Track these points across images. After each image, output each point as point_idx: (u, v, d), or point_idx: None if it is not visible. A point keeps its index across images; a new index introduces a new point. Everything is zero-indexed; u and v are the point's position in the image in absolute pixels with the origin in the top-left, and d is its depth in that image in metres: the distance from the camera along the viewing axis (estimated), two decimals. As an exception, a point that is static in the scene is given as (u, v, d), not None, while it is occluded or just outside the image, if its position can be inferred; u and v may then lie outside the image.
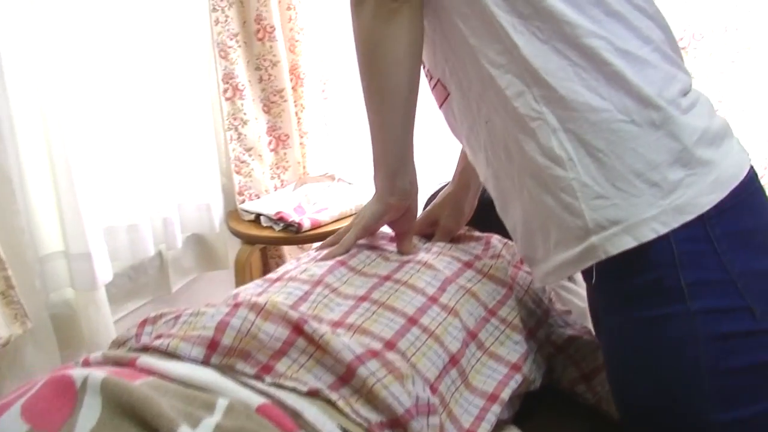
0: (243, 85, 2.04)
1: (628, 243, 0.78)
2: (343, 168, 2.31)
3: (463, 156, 1.20)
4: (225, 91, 2.02)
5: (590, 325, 1.09)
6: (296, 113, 2.21)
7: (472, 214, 1.21)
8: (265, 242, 2.07)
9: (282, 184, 2.22)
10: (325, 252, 1.06)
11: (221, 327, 0.79)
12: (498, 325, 0.96)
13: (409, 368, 0.79)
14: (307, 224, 1.93)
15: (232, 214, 2.13)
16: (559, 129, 0.81)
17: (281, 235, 1.95)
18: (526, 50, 0.81)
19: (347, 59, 2.20)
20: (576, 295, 1.27)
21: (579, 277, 1.37)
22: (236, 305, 0.82)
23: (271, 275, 1.03)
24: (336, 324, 0.86)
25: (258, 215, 2.03)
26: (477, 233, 1.21)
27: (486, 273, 1.02)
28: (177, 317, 0.88)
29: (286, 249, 2.30)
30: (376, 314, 0.88)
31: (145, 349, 0.80)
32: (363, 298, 0.91)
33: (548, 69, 0.81)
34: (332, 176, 2.24)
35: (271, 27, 2.04)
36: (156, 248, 1.90)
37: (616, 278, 0.82)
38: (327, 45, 2.24)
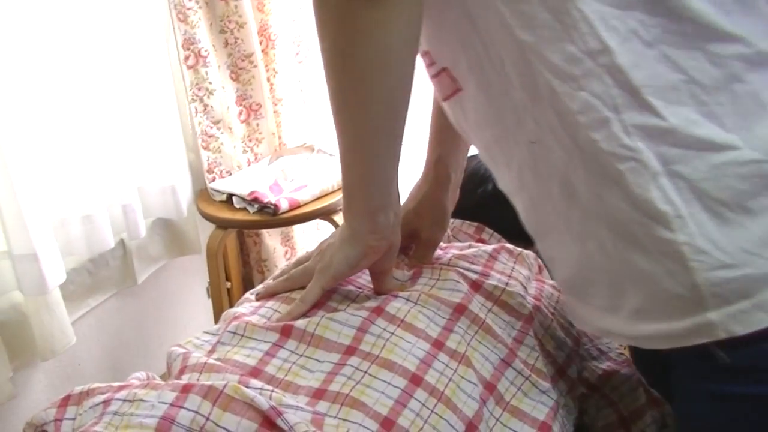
0: (206, 51, 1.83)
1: (763, 321, 0.58)
2: (322, 138, 2.11)
3: (437, 139, 0.95)
4: (186, 58, 1.81)
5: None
6: (268, 79, 2.01)
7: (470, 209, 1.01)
8: (238, 226, 1.89)
9: (256, 159, 2.03)
10: (280, 312, 0.81)
11: (164, 426, 0.61)
12: (521, 369, 0.76)
13: None
14: (284, 205, 1.74)
15: (202, 194, 1.93)
16: (662, 174, 0.59)
17: (256, 218, 1.77)
18: (622, 57, 0.58)
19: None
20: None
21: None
22: (185, 389, 0.64)
23: (237, 310, 0.83)
24: (316, 395, 0.67)
25: (230, 195, 1.84)
26: (473, 229, 1.02)
27: (497, 299, 0.81)
28: (107, 402, 0.68)
29: (265, 229, 2.11)
30: (368, 375, 0.68)
31: None
32: (349, 351, 0.72)
33: (654, 87, 0.58)
34: (311, 147, 2.05)
35: (235, -17, 1.83)
36: (117, 238, 1.71)
37: (735, 348, 0.61)
38: (300, 1, 2.02)
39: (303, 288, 0.81)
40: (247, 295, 0.87)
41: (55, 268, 1.48)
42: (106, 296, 1.76)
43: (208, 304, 2.04)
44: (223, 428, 0.61)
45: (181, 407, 0.62)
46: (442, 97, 0.77)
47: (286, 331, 0.75)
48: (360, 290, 0.83)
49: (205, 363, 0.71)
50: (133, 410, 0.64)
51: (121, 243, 1.77)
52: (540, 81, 0.62)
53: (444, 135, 0.93)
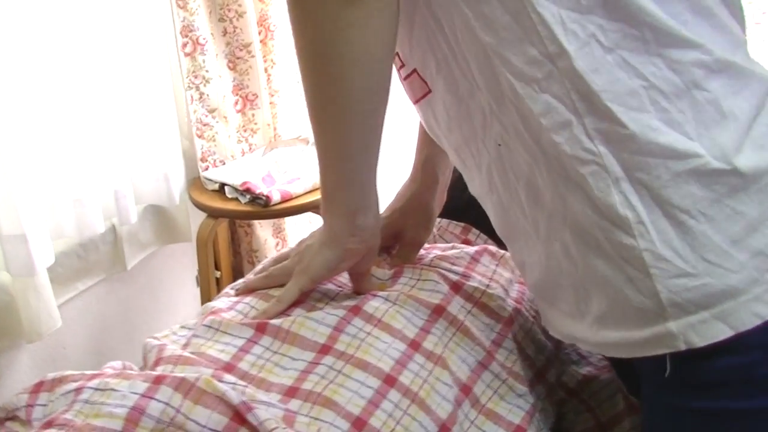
0: (205, 39, 1.82)
1: (722, 332, 0.58)
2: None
3: (425, 140, 0.94)
4: (184, 45, 1.80)
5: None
6: (265, 70, 2.00)
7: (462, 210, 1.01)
8: (230, 216, 1.88)
9: (250, 149, 2.02)
10: (257, 309, 0.81)
11: (134, 416, 0.61)
12: (499, 372, 0.76)
13: None
14: (276, 197, 1.74)
15: (195, 182, 1.93)
16: (623, 179, 0.59)
17: (248, 208, 1.76)
18: (580, 61, 0.57)
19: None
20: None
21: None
22: (158, 380, 0.63)
23: (215, 304, 0.83)
24: (289, 392, 0.67)
25: (222, 185, 1.83)
26: (459, 230, 1.01)
27: (477, 300, 0.81)
28: (78, 390, 0.68)
29: (258, 221, 2.11)
30: (341, 375, 0.68)
31: None
32: (324, 350, 0.72)
33: (613, 92, 0.57)
34: (306, 139, 2.04)
35: (236, -28, 1.82)
36: (107, 223, 1.71)
37: (689, 361, 0.61)
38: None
39: (282, 286, 0.81)
40: (227, 289, 0.87)
41: (44, 251, 1.47)
42: (95, 281, 1.76)
43: (197, 292, 2.04)
44: (194, 421, 0.61)
45: (152, 398, 0.62)
46: (413, 100, 0.77)
47: (261, 328, 0.75)
48: (340, 289, 0.83)
49: (180, 355, 0.71)
50: (104, 399, 0.64)
51: (112, 228, 1.76)
52: (503, 82, 0.61)
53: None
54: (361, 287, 0.82)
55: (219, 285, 2.01)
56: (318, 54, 0.65)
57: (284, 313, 0.78)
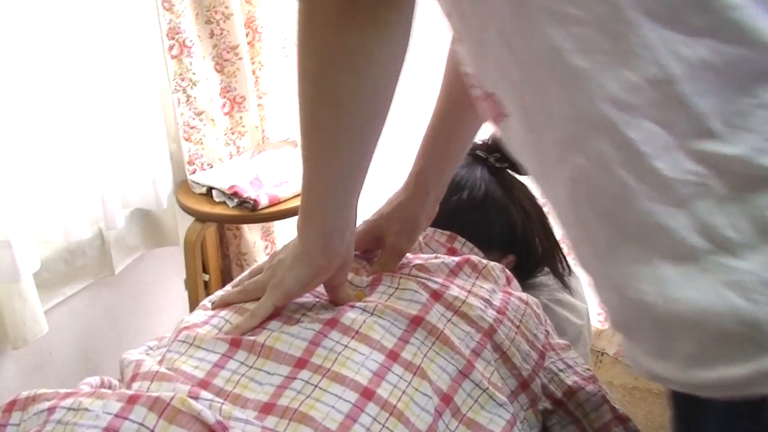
0: (191, 41, 1.81)
1: None
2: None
3: (424, 152, 0.92)
4: (170, 48, 1.79)
5: (587, 350, 0.92)
6: (253, 72, 1.99)
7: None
8: (217, 220, 1.87)
9: (238, 152, 2.01)
10: (232, 323, 0.78)
11: None
12: (479, 381, 0.75)
13: None
14: (264, 201, 1.73)
15: (182, 185, 1.92)
16: (729, 199, 0.54)
17: (235, 212, 1.75)
18: (687, 86, 0.53)
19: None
20: (572, 311, 1.08)
21: (577, 286, 1.19)
22: (132, 399, 0.62)
23: (189, 319, 0.82)
24: (265, 409, 0.66)
25: (210, 188, 1.82)
26: (445, 238, 1.01)
27: (457, 309, 0.80)
28: (51, 410, 0.66)
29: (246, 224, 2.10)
30: (318, 389, 0.67)
31: None
32: (300, 363, 0.70)
33: (721, 113, 0.53)
34: (294, 142, 2.04)
35: (222, -26, 1.81)
36: (94, 227, 1.70)
37: None
38: (288, -6, 2.00)
39: (257, 300, 0.80)
40: (204, 301, 0.86)
41: (29, 256, 1.46)
42: (82, 286, 1.74)
43: (185, 296, 2.03)
44: None
45: (125, 418, 0.61)
46: (488, 120, 0.72)
47: (235, 343, 0.74)
48: (317, 299, 0.82)
49: (157, 372, 0.70)
50: (77, 419, 0.63)
51: (99, 232, 1.75)
52: (594, 111, 0.56)
53: (432, 151, 0.92)
54: (337, 298, 0.81)
55: (207, 289, 2.00)
56: (321, 79, 0.63)
57: (259, 326, 0.77)
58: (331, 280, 0.80)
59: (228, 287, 0.89)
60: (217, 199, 1.79)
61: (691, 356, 0.58)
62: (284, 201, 1.77)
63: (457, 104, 0.90)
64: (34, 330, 1.53)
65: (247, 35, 1.94)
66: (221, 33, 1.87)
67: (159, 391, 0.64)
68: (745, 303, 0.54)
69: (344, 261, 0.78)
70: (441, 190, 0.94)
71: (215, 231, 2.08)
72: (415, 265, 0.87)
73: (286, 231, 2.20)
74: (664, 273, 0.58)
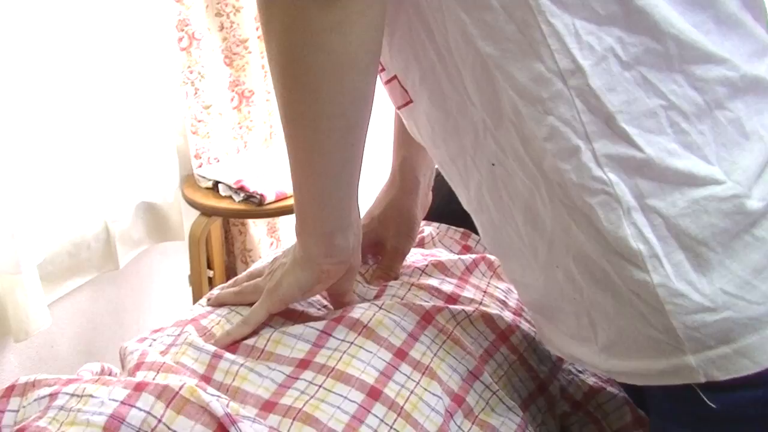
0: (201, 34, 1.79)
1: (746, 368, 0.54)
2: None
3: (402, 140, 0.85)
4: (180, 40, 1.77)
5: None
6: (262, 66, 1.96)
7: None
8: (223, 214, 1.85)
9: (245, 147, 1.99)
10: (222, 333, 0.73)
11: (112, 425, 0.57)
12: (490, 383, 0.73)
13: None
14: (270, 196, 1.71)
15: (188, 179, 1.90)
16: (636, 209, 0.54)
17: (241, 207, 1.73)
18: (596, 79, 0.52)
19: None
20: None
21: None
22: (139, 387, 0.60)
23: (189, 314, 0.79)
24: (266, 407, 0.63)
25: (216, 182, 1.80)
26: (459, 235, 0.98)
27: (469, 314, 0.77)
28: (53, 396, 0.64)
29: (252, 220, 2.08)
30: (322, 390, 0.64)
31: None
32: (303, 364, 0.67)
33: (630, 113, 0.52)
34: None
35: (233, -34, 1.79)
36: (99, 220, 1.68)
37: (705, 392, 0.57)
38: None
39: (252, 304, 0.75)
40: (202, 300, 0.83)
41: (32, 248, 1.44)
42: (87, 278, 1.72)
43: (189, 292, 2.01)
44: None
45: (132, 406, 0.58)
46: (395, 106, 0.71)
47: (231, 350, 0.71)
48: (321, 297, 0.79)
49: (164, 363, 0.67)
50: (81, 406, 0.60)
51: (104, 226, 1.73)
52: (503, 99, 0.55)
53: (409, 136, 0.86)
54: (341, 304, 0.77)
55: (212, 285, 1.98)
56: (291, 62, 0.57)
57: (256, 330, 0.73)
58: (336, 287, 0.75)
59: (227, 284, 0.85)
60: (223, 194, 1.77)
61: (608, 345, 0.60)
62: (291, 196, 1.74)
63: None
64: (37, 323, 1.50)
65: (257, 29, 1.92)
66: (231, 26, 1.85)
67: (166, 382, 0.62)
68: (658, 314, 0.55)
69: (350, 267, 0.72)
70: (430, 176, 0.90)
71: (220, 227, 2.06)
72: (431, 262, 0.85)
73: (291, 227, 2.17)
74: (576, 271, 0.58)
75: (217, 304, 0.79)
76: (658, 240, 0.54)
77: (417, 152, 0.85)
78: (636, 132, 0.53)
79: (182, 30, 1.76)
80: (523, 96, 0.54)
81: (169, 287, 2.01)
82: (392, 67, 0.66)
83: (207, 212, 1.80)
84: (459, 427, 0.69)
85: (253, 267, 0.85)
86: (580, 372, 0.84)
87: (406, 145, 0.86)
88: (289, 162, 0.65)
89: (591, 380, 0.83)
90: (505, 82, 0.55)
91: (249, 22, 1.86)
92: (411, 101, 0.66)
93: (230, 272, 2.13)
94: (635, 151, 0.53)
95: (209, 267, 1.99)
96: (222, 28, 1.85)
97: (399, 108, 0.70)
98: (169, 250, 1.96)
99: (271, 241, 2.13)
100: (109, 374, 0.77)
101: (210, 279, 1.98)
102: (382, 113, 0.72)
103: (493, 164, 0.60)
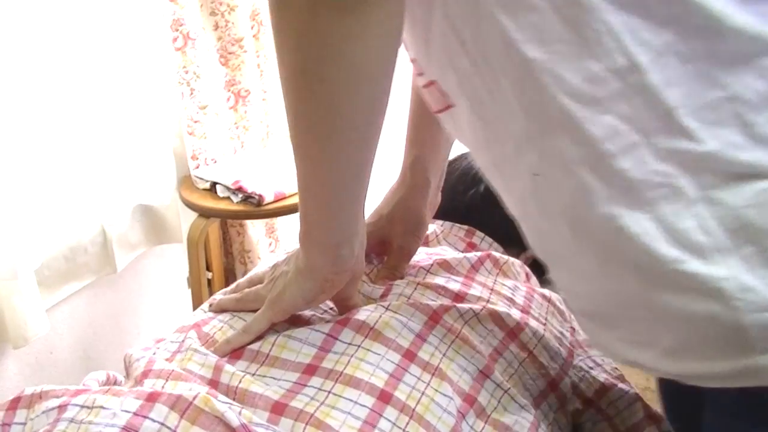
0: (195, 34, 1.77)
1: None
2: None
3: (414, 139, 0.84)
4: (174, 39, 1.75)
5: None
6: (258, 65, 1.95)
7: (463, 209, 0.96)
8: (221, 216, 1.83)
9: (242, 147, 1.97)
10: (222, 341, 0.72)
11: None
12: (501, 382, 0.71)
13: None
14: (269, 196, 1.69)
15: (185, 181, 1.88)
16: (700, 201, 0.51)
17: (240, 208, 1.71)
18: (654, 75, 0.50)
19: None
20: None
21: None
22: (151, 397, 0.58)
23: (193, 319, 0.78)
24: (276, 409, 0.62)
25: (214, 183, 1.79)
26: (463, 233, 0.97)
27: (477, 313, 0.75)
28: (62, 408, 0.62)
29: (250, 221, 2.06)
30: (332, 395, 0.63)
31: None
32: (310, 370, 0.66)
33: (691, 107, 0.49)
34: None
35: (227, -35, 1.77)
36: (96, 223, 1.66)
37: None
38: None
39: (253, 311, 0.74)
40: (204, 305, 0.81)
41: (29, 254, 1.43)
42: (85, 283, 1.71)
43: (188, 294, 1.99)
44: None
45: (146, 417, 0.57)
46: (433, 110, 0.68)
47: (236, 356, 0.69)
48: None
49: (172, 371, 0.66)
50: (92, 418, 0.59)
51: (101, 229, 1.71)
52: (552, 105, 0.53)
53: (422, 134, 0.86)
54: (346, 311, 0.75)
55: (211, 287, 1.96)
56: (304, 71, 0.54)
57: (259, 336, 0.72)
58: (340, 293, 0.73)
59: (228, 290, 0.83)
60: (221, 195, 1.75)
61: (671, 349, 0.56)
62: (290, 196, 1.73)
63: None
64: (36, 329, 1.49)
65: (252, 28, 1.90)
66: (226, 25, 1.83)
67: (176, 390, 0.60)
68: (725, 310, 0.51)
69: (354, 274, 0.71)
70: (440, 176, 0.89)
71: (218, 228, 2.05)
72: (437, 261, 0.83)
73: (290, 229, 2.16)
74: (632, 275, 0.55)
75: (219, 310, 0.78)
76: (724, 232, 0.51)
77: (429, 152, 0.84)
78: (697, 125, 0.50)
79: (177, 30, 1.74)
80: (576, 98, 0.52)
81: (167, 290, 1.99)
82: (430, 73, 0.64)
83: (205, 213, 1.78)
84: (471, 427, 0.67)
85: (254, 272, 0.84)
86: (591, 368, 0.83)
87: (418, 144, 0.84)
88: (296, 173, 0.62)
89: (602, 377, 0.82)
90: (555, 86, 0.52)
91: (244, 21, 1.84)
92: (451, 105, 0.63)
93: (229, 274, 2.11)
94: (696, 144, 0.51)
95: (207, 269, 1.97)
96: (217, 27, 1.83)
97: (438, 112, 0.67)
98: (166, 253, 1.94)
99: (270, 242, 2.12)
100: (115, 383, 0.75)
101: (209, 281, 1.97)
102: (392, 112, 0.69)
103: (536, 174, 0.58)
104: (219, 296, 0.81)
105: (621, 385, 0.82)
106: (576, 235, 0.57)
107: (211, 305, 0.80)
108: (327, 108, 0.56)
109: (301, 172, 0.62)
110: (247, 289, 0.78)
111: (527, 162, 0.57)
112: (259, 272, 0.81)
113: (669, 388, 0.72)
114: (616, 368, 0.85)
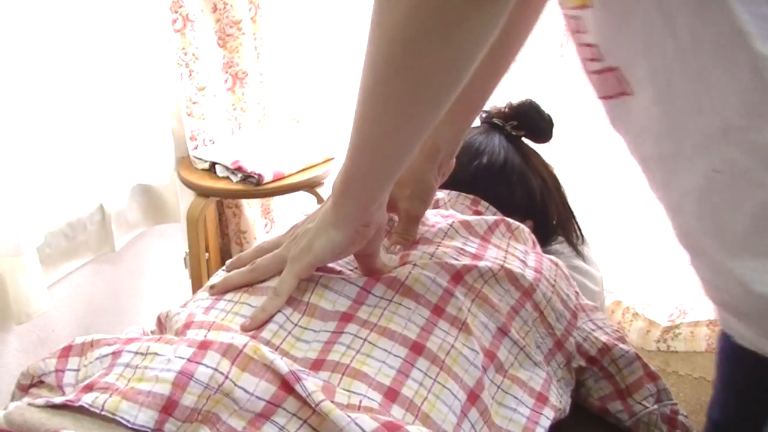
0: (194, 15, 1.78)
1: None
2: (308, 110, 2.08)
3: None
4: (174, 21, 1.76)
5: (603, 316, 0.92)
6: (255, 48, 1.96)
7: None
8: (221, 195, 1.85)
9: (240, 128, 1.99)
10: (247, 303, 0.72)
11: (182, 381, 0.58)
12: (517, 339, 0.75)
13: None
14: (268, 176, 1.72)
15: (184, 161, 1.90)
16: None
17: (239, 187, 1.73)
18: None
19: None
20: (589, 277, 1.08)
21: (590, 254, 1.19)
22: (204, 345, 0.60)
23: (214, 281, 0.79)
24: (315, 365, 0.64)
25: (213, 164, 1.81)
26: (469, 201, 1.00)
27: (495, 273, 0.78)
28: (116, 354, 0.64)
29: (245, 201, 2.08)
30: (367, 344, 0.66)
31: (68, 406, 0.58)
32: (346, 318, 0.69)
33: None
34: (296, 119, 2.02)
35: (226, -53, 1.79)
36: (96, 203, 1.68)
37: None
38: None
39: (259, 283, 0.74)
40: (200, 292, 0.80)
41: (32, 229, 1.44)
42: (84, 261, 1.72)
43: (186, 274, 2.01)
44: (241, 388, 0.58)
45: (199, 363, 0.59)
46: (598, 95, 0.66)
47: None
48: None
49: (213, 322, 0.68)
50: (147, 363, 0.61)
51: (100, 208, 1.73)
52: None
53: None
54: (371, 268, 0.77)
55: (208, 267, 1.98)
56: (409, 42, 0.54)
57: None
58: (366, 248, 0.74)
59: (221, 270, 0.83)
60: (220, 175, 1.78)
61: None
62: (288, 176, 1.76)
63: None
64: (38, 305, 1.50)
65: (249, 10, 1.91)
66: (224, 7, 1.85)
67: (218, 339, 0.62)
68: None
69: (378, 226, 0.73)
70: (455, 145, 0.90)
71: (215, 209, 2.07)
72: (458, 220, 0.86)
73: (286, 209, 2.18)
74: None
75: (224, 290, 0.76)
76: None
77: (444, 124, 0.85)
78: None
79: (176, 12, 1.76)
80: None
81: (166, 269, 2.01)
82: (613, 59, 0.62)
83: (204, 193, 1.80)
84: (491, 381, 0.71)
85: (258, 246, 0.83)
86: (593, 330, 0.87)
87: None
88: (353, 135, 0.64)
89: (604, 338, 0.86)
90: None
91: (242, 4, 1.86)
92: (626, 93, 0.62)
93: (225, 254, 2.14)
94: None
95: (205, 249, 1.99)
96: (215, 9, 1.85)
97: (606, 98, 0.65)
98: (164, 233, 1.96)
99: (266, 223, 2.14)
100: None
101: (207, 261, 1.99)
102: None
103: (717, 171, 0.56)
104: (216, 279, 0.80)
105: (622, 345, 0.85)
106: (751, 233, 0.56)
107: (212, 288, 0.77)
108: (418, 80, 0.57)
109: (358, 137, 0.64)
110: (259, 258, 0.78)
111: (712, 159, 0.56)
112: (266, 242, 0.82)
113: (743, 371, 0.71)
114: (617, 330, 0.89)
